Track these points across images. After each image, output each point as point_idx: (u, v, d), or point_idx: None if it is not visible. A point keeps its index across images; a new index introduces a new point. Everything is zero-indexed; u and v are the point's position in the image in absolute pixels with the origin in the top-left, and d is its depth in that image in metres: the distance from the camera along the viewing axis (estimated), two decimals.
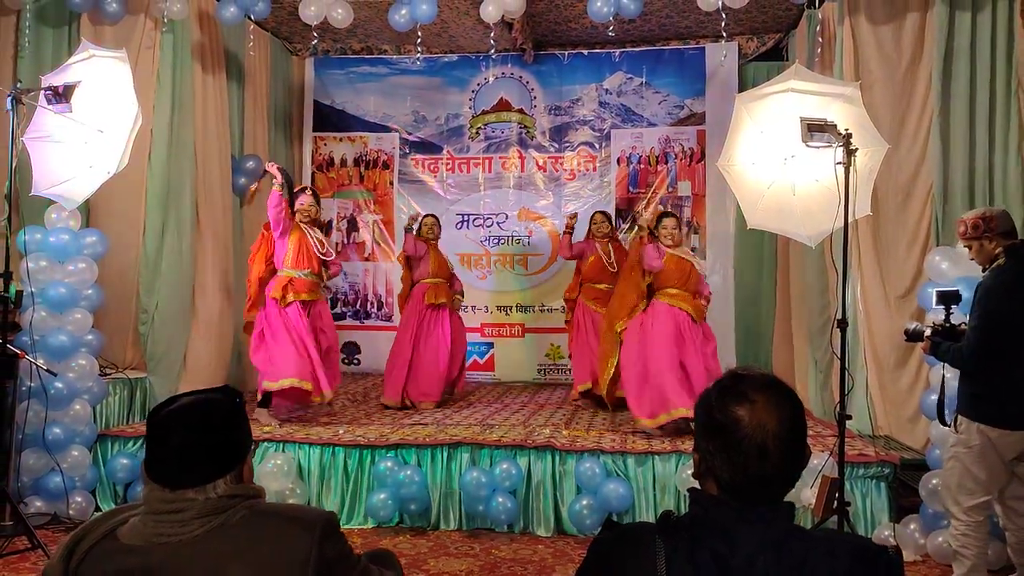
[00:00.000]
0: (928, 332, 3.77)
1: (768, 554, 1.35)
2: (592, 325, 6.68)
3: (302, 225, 5.87)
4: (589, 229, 6.92)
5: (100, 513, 1.69)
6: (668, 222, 5.66)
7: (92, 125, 4.62)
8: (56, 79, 4.66)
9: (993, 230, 3.62)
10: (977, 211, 3.75)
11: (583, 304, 6.82)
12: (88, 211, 5.90)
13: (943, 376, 3.93)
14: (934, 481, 4.23)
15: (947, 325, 3.73)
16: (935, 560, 4.36)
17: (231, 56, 6.95)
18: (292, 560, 1.55)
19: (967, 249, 3.77)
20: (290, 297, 5.72)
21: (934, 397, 4.33)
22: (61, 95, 4.49)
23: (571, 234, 6.86)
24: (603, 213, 6.97)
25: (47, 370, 4.75)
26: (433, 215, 7.00)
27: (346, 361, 8.26)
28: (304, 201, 5.93)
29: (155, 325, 5.94)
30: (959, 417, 3.67)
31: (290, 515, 1.63)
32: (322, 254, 5.91)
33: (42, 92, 4.53)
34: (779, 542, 1.37)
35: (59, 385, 4.93)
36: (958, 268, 4.54)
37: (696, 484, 1.53)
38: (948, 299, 3.77)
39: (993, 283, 3.56)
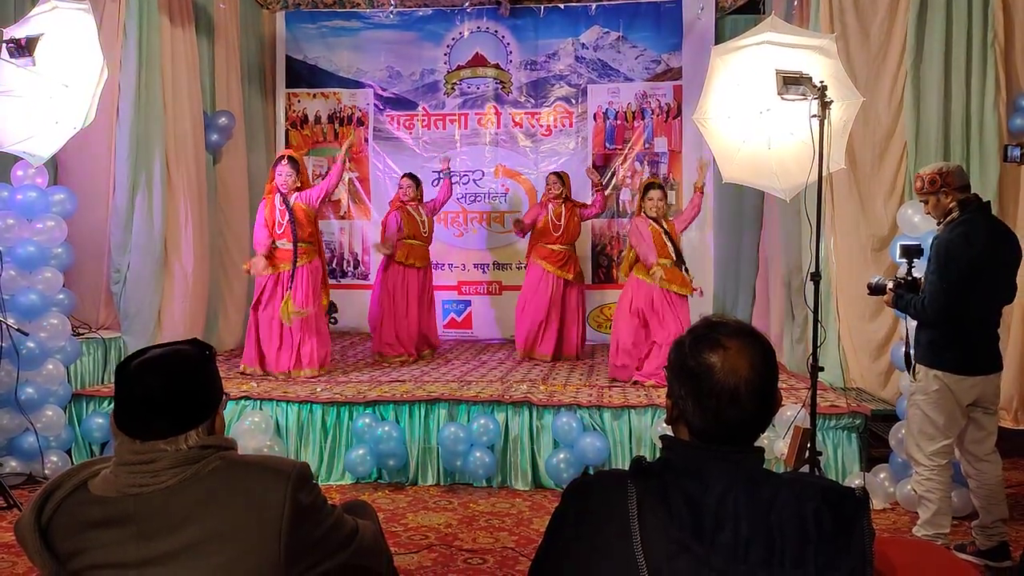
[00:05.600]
0: (891, 285, 3.85)
1: (739, 492, 1.37)
2: (543, 287, 6.71)
3: (278, 195, 5.86)
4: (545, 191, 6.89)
5: (71, 467, 1.67)
6: (654, 193, 5.88)
7: (57, 79, 4.51)
8: (18, 31, 4.54)
9: (949, 185, 3.71)
10: (934, 166, 3.83)
11: (534, 264, 6.81)
12: (56, 168, 5.80)
13: (906, 328, 4.01)
14: (903, 431, 4.32)
15: (909, 278, 3.81)
16: (904, 507, 4.47)
17: (200, 9, 6.79)
18: (265, 508, 1.55)
19: (923, 204, 3.85)
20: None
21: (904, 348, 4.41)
22: (24, 48, 4.37)
23: (520, 229, 6.90)
24: (556, 175, 6.91)
25: (18, 329, 4.70)
26: (409, 175, 6.92)
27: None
28: (280, 172, 5.89)
29: (128, 284, 5.86)
30: (917, 366, 3.78)
31: (263, 465, 1.63)
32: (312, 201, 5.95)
33: (3, 45, 4.40)
34: (750, 481, 1.39)
35: (31, 345, 4.88)
36: (929, 222, 4.56)
37: (669, 430, 1.55)
38: (910, 253, 3.87)
39: (948, 236, 3.66)
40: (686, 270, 5.81)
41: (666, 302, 5.67)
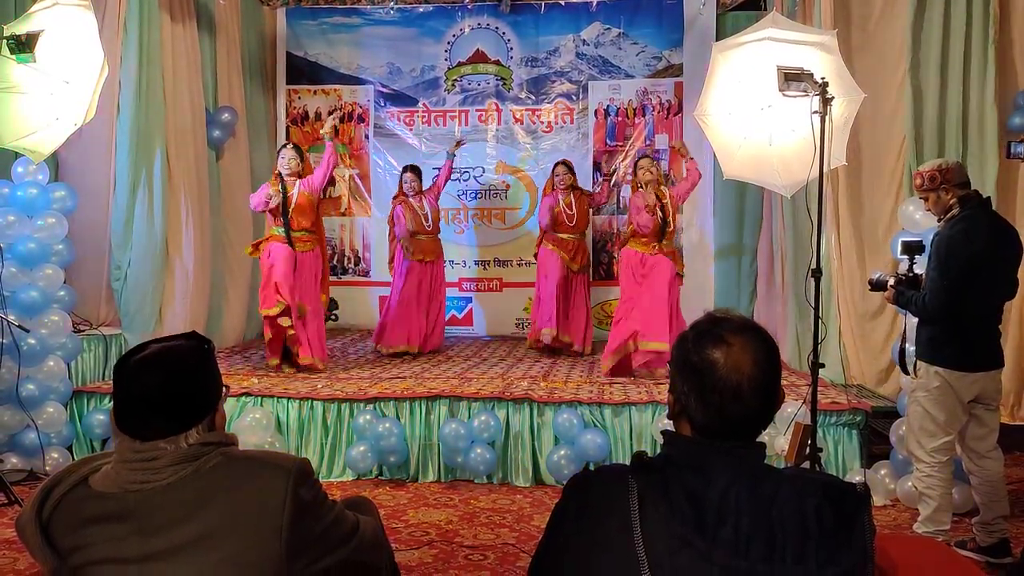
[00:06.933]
0: (892, 281, 3.86)
1: (741, 487, 1.37)
2: (553, 269, 6.77)
3: (286, 179, 5.89)
4: (551, 180, 6.92)
5: (71, 462, 1.67)
6: (644, 162, 6.08)
7: (57, 76, 4.50)
8: (19, 28, 4.53)
9: (949, 181, 3.71)
10: (934, 163, 3.83)
11: (545, 249, 6.88)
12: (56, 165, 5.79)
13: (904, 325, 4.01)
14: (904, 428, 4.32)
15: (910, 275, 3.82)
16: (904, 504, 4.47)
17: (200, 5, 6.77)
18: (267, 503, 1.55)
19: (923, 201, 3.85)
20: (261, 247, 5.97)
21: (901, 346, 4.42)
22: (24, 44, 4.36)
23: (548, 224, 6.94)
24: (564, 164, 6.93)
25: (19, 326, 4.70)
26: (410, 169, 6.90)
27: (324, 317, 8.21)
28: (284, 155, 5.96)
29: (129, 281, 5.85)
30: (918, 362, 3.79)
31: (264, 460, 1.63)
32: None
33: (4, 41, 4.39)
34: (752, 477, 1.39)
35: (31, 341, 4.88)
36: (930, 218, 4.56)
37: (670, 426, 1.54)
38: (912, 249, 3.87)
39: (949, 232, 3.66)
40: (668, 242, 5.96)
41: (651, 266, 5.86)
